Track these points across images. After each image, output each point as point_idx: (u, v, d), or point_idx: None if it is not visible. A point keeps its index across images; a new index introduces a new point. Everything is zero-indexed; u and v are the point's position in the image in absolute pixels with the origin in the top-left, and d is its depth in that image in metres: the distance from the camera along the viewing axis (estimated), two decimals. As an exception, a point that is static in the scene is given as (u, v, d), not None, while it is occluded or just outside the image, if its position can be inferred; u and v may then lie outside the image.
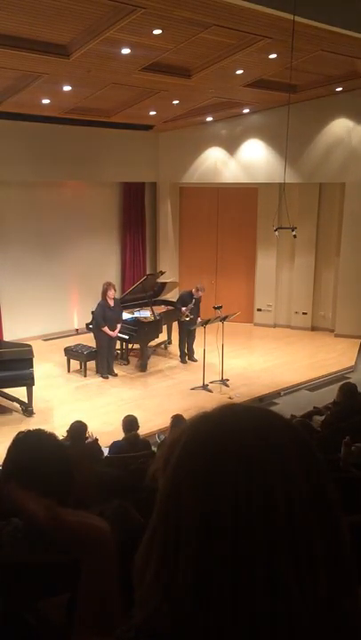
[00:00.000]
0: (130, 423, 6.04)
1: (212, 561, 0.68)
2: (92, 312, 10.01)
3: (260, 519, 0.67)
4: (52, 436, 1.68)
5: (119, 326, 9.61)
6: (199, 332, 9.88)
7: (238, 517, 0.68)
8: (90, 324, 10.11)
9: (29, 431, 1.67)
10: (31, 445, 1.61)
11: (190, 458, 0.73)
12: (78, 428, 5.59)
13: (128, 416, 6.17)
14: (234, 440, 0.72)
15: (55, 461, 1.58)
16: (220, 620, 0.67)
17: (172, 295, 11.35)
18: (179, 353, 10.46)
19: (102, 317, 9.43)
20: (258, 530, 0.67)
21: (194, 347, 10.35)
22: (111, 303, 9.49)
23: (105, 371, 9.59)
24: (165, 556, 0.73)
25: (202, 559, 0.69)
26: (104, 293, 9.49)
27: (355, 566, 0.73)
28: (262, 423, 0.75)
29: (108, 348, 9.63)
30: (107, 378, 9.54)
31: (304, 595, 0.67)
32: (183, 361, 10.36)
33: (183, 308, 10.08)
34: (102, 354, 9.56)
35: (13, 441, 1.64)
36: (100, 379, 9.51)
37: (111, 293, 9.52)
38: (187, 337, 10.29)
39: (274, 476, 0.69)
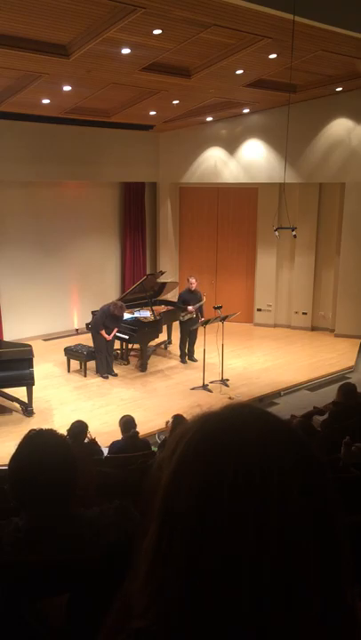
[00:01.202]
0: (127, 423, 6.04)
1: (204, 562, 0.67)
2: (93, 312, 9.99)
3: (253, 525, 0.67)
4: (61, 437, 1.70)
5: (115, 330, 9.63)
6: (199, 332, 9.88)
7: (232, 522, 0.67)
8: (90, 323, 10.11)
9: (41, 430, 1.69)
10: (40, 444, 1.63)
11: (191, 456, 0.73)
12: (78, 428, 5.60)
13: (124, 416, 6.17)
14: (236, 445, 0.71)
15: (61, 461, 1.59)
16: (209, 624, 0.67)
17: (172, 295, 11.35)
18: (179, 353, 10.45)
19: (102, 323, 9.44)
20: (249, 533, 0.67)
21: (194, 347, 10.34)
22: (116, 313, 9.46)
23: (105, 370, 9.59)
24: (158, 554, 0.73)
25: (193, 560, 0.68)
26: (114, 306, 9.38)
27: (351, 573, 0.72)
28: (265, 429, 0.74)
29: (106, 349, 9.64)
30: (107, 378, 9.55)
31: (291, 601, 0.66)
32: (183, 361, 10.35)
33: (190, 307, 10.03)
34: (101, 354, 9.56)
35: (24, 438, 1.65)
36: (100, 378, 9.52)
37: (112, 293, 9.57)
38: (188, 337, 10.27)
39: (271, 484, 0.69)
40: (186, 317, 10.05)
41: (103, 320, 9.45)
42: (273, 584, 0.66)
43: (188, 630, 0.68)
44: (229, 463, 0.69)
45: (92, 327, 9.68)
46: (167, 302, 11.01)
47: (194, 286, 10.09)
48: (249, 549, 0.66)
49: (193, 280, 10.11)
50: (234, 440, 0.72)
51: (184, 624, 0.68)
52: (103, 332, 9.40)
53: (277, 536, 0.67)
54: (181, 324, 10.23)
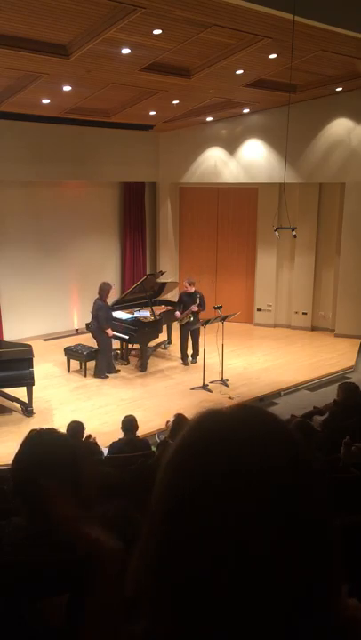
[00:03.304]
0: (128, 423, 6.05)
1: (193, 562, 0.67)
2: (93, 313, 9.90)
3: (243, 525, 0.66)
4: (63, 436, 1.69)
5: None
6: (200, 332, 9.87)
7: (221, 521, 0.67)
8: (92, 324, 10.10)
9: (42, 430, 1.69)
10: (42, 444, 1.62)
11: (184, 456, 0.73)
12: (75, 429, 5.62)
13: (127, 416, 6.17)
14: (228, 445, 0.71)
15: (63, 461, 1.59)
16: (198, 626, 0.66)
17: (172, 295, 11.35)
18: (180, 355, 10.39)
19: (106, 318, 9.50)
20: (239, 533, 0.66)
21: (198, 347, 10.22)
22: (107, 290, 9.60)
23: (107, 370, 9.60)
24: (151, 555, 0.73)
25: (183, 561, 0.68)
26: (106, 293, 9.50)
27: (342, 572, 0.72)
28: (261, 430, 0.74)
29: (111, 348, 9.72)
30: (107, 377, 9.55)
31: (280, 602, 0.66)
32: (185, 363, 10.29)
33: (177, 313, 10.01)
34: (105, 354, 9.58)
35: (25, 438, 1.65)
36: (100, 379, 9.51)
37: (112, 293, 9.66)
38: (191, 337, 10.21)
39: (262, 485, 0.68)
40: (184, 321, 10.06)
41: (107, 315, 9.50)
42: (261, 585, 0.66)
43: (179, 631, 0.68)
44: (224, 464, 0.69)
45: (100, 326, 9.58)
46: (167, 302, 11.01)
47: (190, 289, 10.05)
48: (237, 550, 0.66)
49: (186, 284, 10.12)
50: (230, 440, 0.71)
51: (175, 625, 0.68)
52: (109, 330, 9.45)
53: (267, 537, 0.66)
54: (180, 327, 10.24)
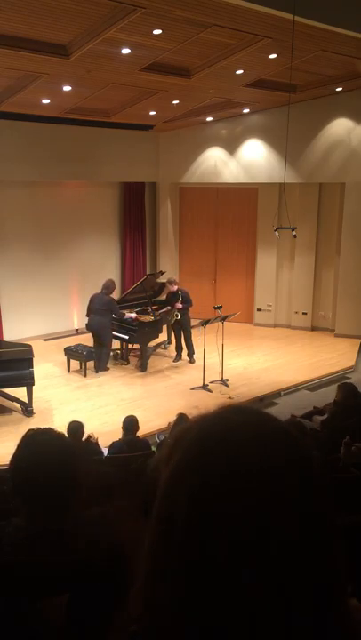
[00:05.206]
0: (129, 423, 6.05)
1: (197, 566, 0.67)
2: (95, 308, 9.82)
3: (247, 527, 0.66)
4: (61, 436, 1.69)
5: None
6: (200, 332, 9.86)
7: (226, 523, 0.67)
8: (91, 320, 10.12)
9: (39, 429, 1.69)
10: (40, 444, 1.62)
11: (188, 458, 0.72)
12: (74, 428, 5.62)
13: (128, 416, 6.17)
14: (231, 446, 0.70)
15: (62, 461, 1.59)
16: (201, 629, 0.66)
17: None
18: (176, 353, 10.46)
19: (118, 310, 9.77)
20: (244, 534, 0.66)
21: (194, 348, 10.26)
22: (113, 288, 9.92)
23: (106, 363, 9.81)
24: (154, 558, 0.72)
25: (186, 563, 0.67)
26: (112, 289, 9.71)
27: (344, 572, 0.72)
28: (261, 430, 0.74)
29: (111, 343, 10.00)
30: (108, 369, 9.74)
31: (284, 602, 0.66)
32: (176, 359, 10.34)
33: (133, 314, 10.04)
34: (108, 349, 9.77)
35: (23, 438, 1.65)
36: (101, 378, 9.51)
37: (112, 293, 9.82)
38: (183, 335, 10.21)
39: (265, 486, 0.68)
40: (172, 320, 10.14)
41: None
42: (262, 585, 0.66)
43: (180, 630, 0.68)
44: (224, 464, 0.69)
45: (116, 318, 9.76)
46: (166, 302, 11.00)
47: (171, 288, 10.19)
48: (238, 551, 0.66)
49: (169, 285, 10.26)
50: (229, 441, 0.71)
51: (177, 625, 0.68)
52: (129, 313, 9.84)
53: (270, 537, 0.66)
54: (171, 326, 10.42)
